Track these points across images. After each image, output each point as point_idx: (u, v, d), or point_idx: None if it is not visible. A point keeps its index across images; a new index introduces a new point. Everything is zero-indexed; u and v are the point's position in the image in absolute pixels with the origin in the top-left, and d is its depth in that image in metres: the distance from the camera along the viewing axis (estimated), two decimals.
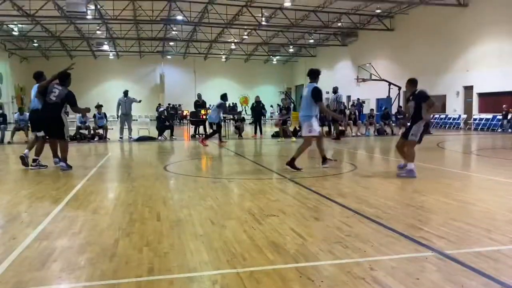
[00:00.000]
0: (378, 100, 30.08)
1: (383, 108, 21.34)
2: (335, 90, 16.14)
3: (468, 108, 23.51)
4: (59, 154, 8.35)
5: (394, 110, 22.16)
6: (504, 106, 20.57)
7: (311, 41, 37.76)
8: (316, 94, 7.65)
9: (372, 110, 20.73)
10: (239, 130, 17.78)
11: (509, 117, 20.03)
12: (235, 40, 36.63)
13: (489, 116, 21.59)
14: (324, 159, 8.21)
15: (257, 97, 19.07)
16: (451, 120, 24.17)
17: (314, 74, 8.01)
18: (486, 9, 21.83)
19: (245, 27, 31.39)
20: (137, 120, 24.16)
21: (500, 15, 20.93)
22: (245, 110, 30.30)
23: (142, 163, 10.01)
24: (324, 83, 43.52)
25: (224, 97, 13.77)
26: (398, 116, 19.35)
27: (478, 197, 5.65)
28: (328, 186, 6.40)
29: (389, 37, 30.15)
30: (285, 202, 5.28)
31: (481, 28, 22.19)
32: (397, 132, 18.13)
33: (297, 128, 17.75)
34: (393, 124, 18.64)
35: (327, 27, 31.15)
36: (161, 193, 5.95)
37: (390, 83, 24.47)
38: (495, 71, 21.34)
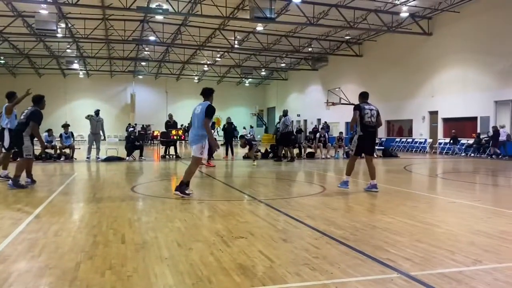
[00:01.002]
0: (347, 123, 30.66)
1: (351, 132, 21.73)
2: (285, 113, 16.21)
3: (433, 133, 24.26)
4: (32, 173, 8.55)
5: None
6: (453, 131, 21.43)
7: (283, 64, 38.42)
8: (209, 111, 7.24)
9: (341, 133, 21.10)
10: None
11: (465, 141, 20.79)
12: (208, 62, 36.85)
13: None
14: (182, 185, 7.22)
15: (229, 118, 19.13)
16: (417, 144, 24.84)
17: (207, 93, 7.62)
18: (449, 38, 22.84)
19: (218, 49, 31.67)
20: (105, 139, 23.72)
21: (463, 43, 21.94)
22: (217, 132, 30.30)
23: (108, 184, 9.77)
24: (295, 106, 44.44)
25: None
26: None
27: (442, 219, 5.77)
28: (297, 207, 6.41)
29: (358, 63, 31.03)
30: (254, 224, 5.25)
31: (445, 56, 23.16)
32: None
33: (268, 150, 17.87)
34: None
35: (298, 51, 31.81)
36: (127, 215, 5.80)
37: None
38: (458, 97, 22.21)
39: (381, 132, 28.21)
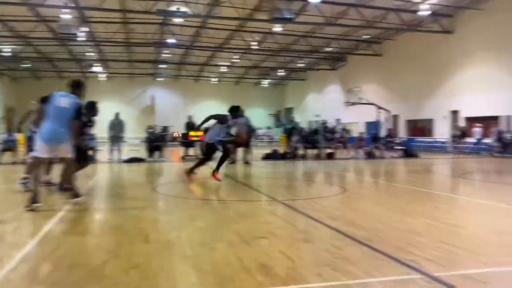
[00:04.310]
0: (367, 123, 30.40)
1: (372, 132, 21.61)
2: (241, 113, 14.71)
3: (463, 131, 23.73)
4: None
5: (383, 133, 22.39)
6: (461, 126, 21.25)
7: (301, 65, 38.30)
8: (78, 110, 6.21)
9: (361, 133, 20.93)
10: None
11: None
12: (226, 63, 37.03)
13: (483, 140, 21.80)
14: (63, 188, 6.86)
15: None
16: (438, 144, 24.40)
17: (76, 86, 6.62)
18: (471, 36, 22.40)
19: (236, 50, 31.79)
20: (126, 141, 24.08)
21: (486, 42, 21.50)
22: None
23: (131, 185, 9.94)
24: (314, 106, 44.16)
25: (234, 110, 9.57)
26: (388, 139, 19.53)
27: (464, 220, 5.70)
28: (318, 208, 6.41)
29: (378, 62, 30.71)
30: (275, 225, 5.28)
31: (467, 54, 22.72)
32: (386, 155, 18.32)
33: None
34: (383, 147, 18.79)
35: (316, 51, 31.65)
36: (150, 214, 5.91)
37: (379, 107, 24.84)
38: (482, 96, 21.77)
39: (402, 132, 27.88)
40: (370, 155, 18.02)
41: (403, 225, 5.26)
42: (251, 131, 15.65)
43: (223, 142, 9.02)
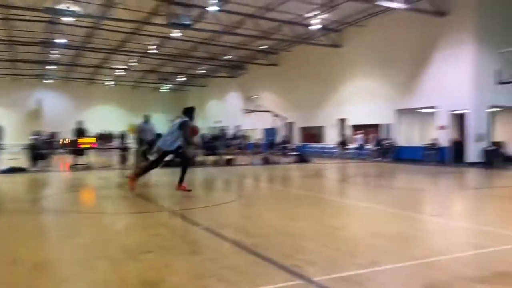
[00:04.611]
0: (265, 130, 31.33)
1: (269, 138, 22.31)
2: (147, 119, 14.38)
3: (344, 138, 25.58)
4: None
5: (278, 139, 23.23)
6: (341, 135, 23.18)
7: (201, 71, 38.25)
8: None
9: (258, 139, 21.47)
10: (124, 159, 17.03)
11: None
12: (123, 67, 35.55)
13: (364, 146, 23.69)
14: None
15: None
16: (327, 150, 25.94)
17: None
18: (356, 50, 24.37)
19: (133, 54, 30.66)
20: (6, 149, 21.75)
21: (369, 56, 23.55)
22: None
23: (7, 198, 8.95)
24: (215, 113, 44.18)
25: (189, 111, 8.52)
26: (283, 146, 20.30)
27: (346, 223, 6.08)
28: (210, 217, 6.36)
29: (274, 72, 31.90)
30: (164, 237, 5.11)
31: (353, 67, 24.67)
32: (282, 160, 19.02)
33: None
34: (278, 153, 19.48)
35: (216, 59, 31.86)
36: (23, 230, 5.34)
37: (275, 114, 25.75)
38: (365, 105, 23.76)
39: (296, 138, 29.24)
40: (266, 161, 18.55)
41: (292, 230, 5.44)
42: (156, 137, 15.15)
43: (181, 149, 8.27)
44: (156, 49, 28.70)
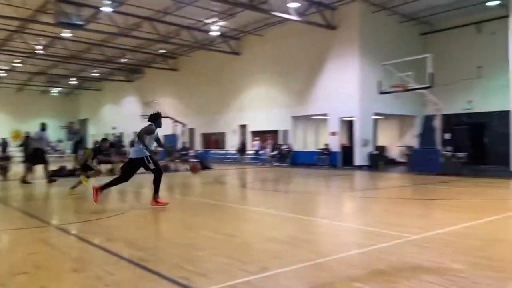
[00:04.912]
0: (165, 136, 30.63)
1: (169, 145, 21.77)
2: (44, 127, 13.53)
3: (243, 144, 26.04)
4: None
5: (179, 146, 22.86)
6: (239, 142, 23.92)
7: (95, 74, 36.23)
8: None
9: (156, 146, 20.88)
10: (5, 170, 15.37)
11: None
12: (5, 67, 32.28)
13: (261, 151, 24.37)
14: None
15: (28, 132, 16.94)
16: (229, 156, 26.28)
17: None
18: (255, 58, 25.04)
19: (17, 54, 27.95)
20: None
21: (265, 64, 24.33)
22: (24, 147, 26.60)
23: None
24: (111, 118, 42.33)
25: (154, 118, 8.07)
26: (183, 152, 19.99)
27: (241, 229, 6.12)
28: (98, 230, 5.97)
29: (174, 77, 31.41)
30: (43, 255, 4.65)
31: (252, 74, 25.28)
32: (181, 168, 18.71)
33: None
34: (178, 160, 19.13)
35: (111, 62, 30.44)
36: None
37: (175, 120, 25.32)
38: (263, 112, 24.47)
39: (198, 145, 29.06)
40: (165, 169, 18.06)
41: (184, 240, 5.32)
42: (47, 145, 13.98)
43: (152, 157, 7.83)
44: (44, 49, 26.53)
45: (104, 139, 11.29)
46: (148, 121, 7.96)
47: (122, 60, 31.03)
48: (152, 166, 7.78)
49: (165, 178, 15.31)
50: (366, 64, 19.79)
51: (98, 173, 10.52)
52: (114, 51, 28.55)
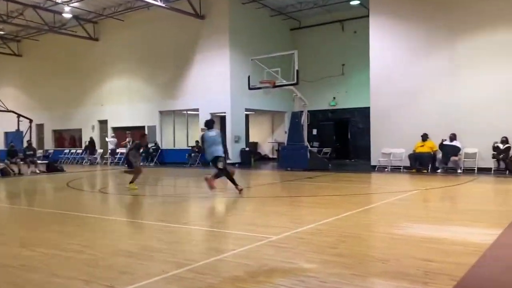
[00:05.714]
0: (6, 134, 27.64)
1: (9, 143, 19.71)
2: None
3: (104, 143, 24.69)
4: None
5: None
6: (84, 141, 23.54)
7: None
8: None
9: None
10: None
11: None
12: None
13: (123, 150, 23.36)
14: None
15: None
16: (85, 155, 24.52)
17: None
18: (115, 46, 23.90)
19: None
20: None
21: (127, 52, 23.39)
22: None
23: None
24: None
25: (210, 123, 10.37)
26: (28, 153, 18.19)
27: (87, 243, 5.72)
28: None
29: (17, 63, 28.48)
30: None
31: (113, 64, 24.11)
32: (26, 171, 17.07)
33: None
34: (21, 162, 17.34)
35: None
36: None
37: (19, 115, 23.11)
38: (126, 106, 23.56)
39: (48, 144, 26.82)
40: (4, 173, 16.26)
41: (18, 260, 4.82)
42: None
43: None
44: None
45: None
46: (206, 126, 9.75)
47: None
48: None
49: (3, 185, 13.85)
50: (237, 57, 20.30)
51: None
52: None
